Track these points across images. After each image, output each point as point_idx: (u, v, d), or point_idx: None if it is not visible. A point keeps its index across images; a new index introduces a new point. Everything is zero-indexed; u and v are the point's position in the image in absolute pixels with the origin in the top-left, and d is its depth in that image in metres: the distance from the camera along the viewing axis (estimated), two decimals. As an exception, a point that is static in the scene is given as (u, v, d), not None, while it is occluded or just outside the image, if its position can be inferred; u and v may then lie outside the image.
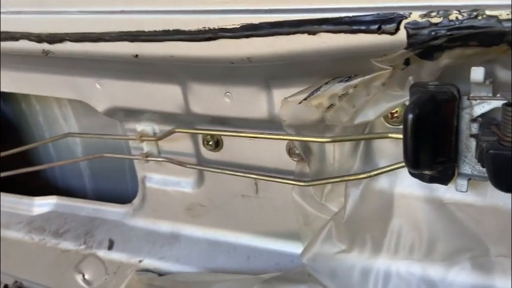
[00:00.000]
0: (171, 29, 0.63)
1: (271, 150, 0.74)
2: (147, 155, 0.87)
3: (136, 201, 0.97)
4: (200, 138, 0.80)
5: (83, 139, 1.42)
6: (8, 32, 0.78)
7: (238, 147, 0.77)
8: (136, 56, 0.69)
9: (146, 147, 0.88)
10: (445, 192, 0.62)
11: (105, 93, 0.83)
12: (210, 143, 0.78)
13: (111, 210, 1.03)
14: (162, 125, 0.86)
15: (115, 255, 0.96)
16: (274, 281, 0.72)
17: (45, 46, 0.76)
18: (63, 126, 1.41)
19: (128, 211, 0.99)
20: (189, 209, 0.89)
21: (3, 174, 1.21)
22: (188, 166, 0.81)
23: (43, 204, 1.12)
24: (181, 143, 0.84)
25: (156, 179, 0.92)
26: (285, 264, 0.79)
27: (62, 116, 1.39)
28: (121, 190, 1.40)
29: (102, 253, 0.97)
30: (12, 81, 0.94)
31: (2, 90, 0.97)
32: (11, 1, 0.77)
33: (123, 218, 1.00)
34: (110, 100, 0.84)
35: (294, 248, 0.79)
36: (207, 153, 0.81)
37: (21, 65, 0.90)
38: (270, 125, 0.70)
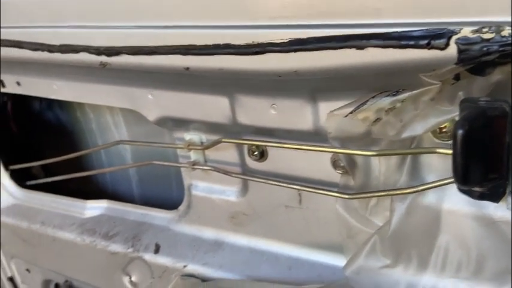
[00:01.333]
0: (221, 43, 0.66)
1: (316, 162, 0.75)
2: (194, 163, 0.90)
3: (182, 207, 1.00)
4: (245, 148, 0.82)
5: (132, 146, 1.48)
6: (69, 45, 0.84)
7: (283, 158, 0.78)
8: (188, 68, 0.73)
9: (193, 155, 0.91)
10: (496, 210, 0.60)
11: (156, 103, 0.87)
12: (255, 153, 0.80)
13: (158, 216, 1.07)
14: (209, 135, 0.88)
15: (161, 260, 0.99)
16: (316, 292, 0.72)
17: (103, 58, 0.81)
18: (115, 133, 1.48)
19: (174, 217, 1.03)
20: (232, 217, 0.91)
21: (58, 178, 1.29)
22: (233, 175, 0.83)
23: (94, 208, 1.18)
24: (227, 153, 0.87)
25: (201, 186, 0.95)
26: (327, 277, 0.79)
27: (114, 124, 1.47)
28: (166, 196, 1.45)
29: (149, 257, 1.01)
30: (70, 91, 1.00)
31: (60, 99, 1.03)
32: (73, 16, 0.82)
33: (169, 224, 1.04)
34: (161, 110, 0.88)
35: (337, 260, 0.79)
36: (252, 163, 0.83)
37: (79, 75, 0.96)
38: (315, 137, 0.71)
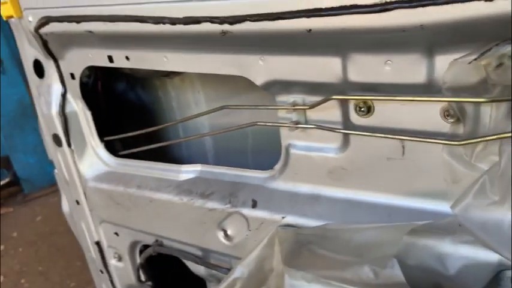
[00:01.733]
0: (347, 4, 0.76)
1: (424, 113, 0.83)
2: (297, 123, 1.00)
3: (278, 166, 1.10)
4: (352, 105, 0.91)
5: (210, 122, 1.60)
6: (193, 17, 0.96)
7: (390, 111, 0.87)
8: (310, 30, 0.82)
9: (295, 116, 1.01)
10: None
11: (266, 68, 0.98)
12: (363, 108, 0.89)
13: (253, 176, 1.17)
14: (311, 96, 0.98)
15: (258, 213, 1.09)
16: (424, 228, 0.80)
17: (225, 27, 0.92)
18: (194, 110, 1.60)
19: (269, 176, 1.13)
20: (330, 172, 1.01)
21: (151, 146, 1.41)
22: (339, 131, 0.93)
23: (189, 171, 1.29)
24: (329, 111, 0.96)
25: (300, 145, 1.04)
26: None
27: (194, 102, 1.59)
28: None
29: (246, 211, 1.11)
30: (180, 62, 1.12)
31: (169, 70, 1.15)
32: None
33: (264, 182, 1.14)
34: (270, 74, 0.98)
35: (438, 206, 0.87)
36: (357, 119, 0.92)
37: (190, 46, 1.07)
38: (426, 89, 0.80)
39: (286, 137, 1.06)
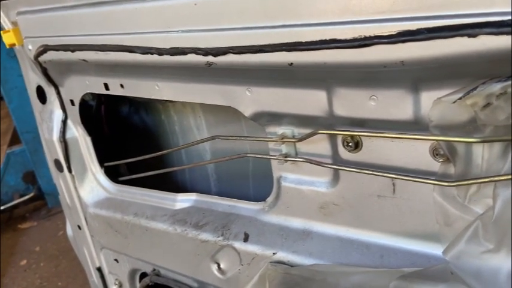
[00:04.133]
0: (327, 38, 0.72)
1: (413, 151, 0.78)
2: (286, 156, 0.96)
3: (270, 199, 1.06)
4: (340, 140, 0.87)
5: (210, 147, 1.58)
6: (178, 48, 0.94)
7: (378, 148, 0.82)
8: (291, 64, 0.79)
9: (285, 148, 0.97)
10: None
11: (253, 99, 0.94)
12: (350, 144, 0.85)
13: (246, 207, 1.13)
14: (301, 128, 0.94)
15: (250, 247, 1.05)
16: (413, 276, 0.75)
17: (209, 59, 0.90)
18: (196, 134, 1.58)
19: (261, 208, 1.09)
20: (322, 208, 0.96)
21: (151, 173, 1.39)
22: (327, 166, 0.88)
23: (184, 200, 1.27)
24: (319, 145, 0.92)
25: (291, 178, 1.00)
26: (421, 264, 0.81)
27: (196, 126, 1.57)
28: (243, 195, 1.53)
29: (238, 245, 1.08)
30: (171, 91, 1.10)
31: (161, 98, 1.14)
32: (182, 22, 0.91)
33: (257, 214, 1.10)
34: (257, 105, 0.95)
35: (431, 248, 0.81)
36: (345, 154, 0.88)
37: (180, 76, 1.06)
38: (413, 126, 0.75)
39: (278, 169, 1.02)
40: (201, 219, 1.19)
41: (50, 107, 1.46)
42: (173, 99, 1.10)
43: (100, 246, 1.54)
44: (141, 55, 1.01)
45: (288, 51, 0.77)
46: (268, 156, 0.99)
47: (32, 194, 4.52)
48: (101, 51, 1.11)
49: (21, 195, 4.43)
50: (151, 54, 0.99)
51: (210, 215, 1.19)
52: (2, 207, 4.28)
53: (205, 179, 1.62)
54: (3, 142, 4.65)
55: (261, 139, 0.99)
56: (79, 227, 1.58)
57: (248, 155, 1.02)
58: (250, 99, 0.95)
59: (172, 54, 0.95)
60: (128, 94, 1.20)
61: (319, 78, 0.82)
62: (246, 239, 1.07)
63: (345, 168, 0.86)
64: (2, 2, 1.32)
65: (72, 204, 1.54)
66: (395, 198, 0.84)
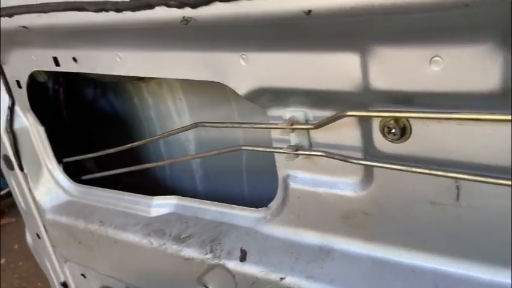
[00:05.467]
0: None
1: (492, 140, 0.52)
2: (297, 148, 0.70)
3: (274, 205, 0.81)
4: (377, 125, 0.61)
5: (195, 136, 1.31)
6: (142, 0, 0.66)
7: (436, 135, 0.57)
8: (309, 12, 0.52)
9: (295, 138, 0.71)
10: None
11: (250, 70, 0.68)
12: (394, 130, 0.59)
13: (241, 215, 0.88)
14: (317, 110, 0.68)
15: (249, 269, 0.80)
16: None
17: (186, 12, 0.63)
18: (176, 121, 1.31)
19: (262, 216, 0.83)
20: (346, 218, 0.71)
21: (117, 171, 1.12)
22: (358, 162, 0.62)
23: (162, 205, 1.00)
24: (344, 132, 0.66)
25: (303, 178, 0.74)
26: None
27: (176, 111, 1.30)
28: (236, 194, 1.26)
29: (233, 265, 0.82)
30: (137, 63, 0.83)
31: (124, 74, 0.86)
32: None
33: (256, 225, 0.84)
34: (255, 79, 0.68)
35: (507, 277, 0.57)
36: (384, 145, 0.62)
37: (149, 42, 0.78)
38: (495, 101, 0.49)
39: (284, 165, 0.76)
40: (184, 230, 0.93)
41: (-7, 91, 1.17)
42: (141, 75, 0.83)
43: (63, 259, 1.27)
44: (94, 13, 0.74)
45: (306, -9, 0.51)
46: (271, 150, 0.73)
47: (9, 189, 4.20)
48: (43, 12, 0.82)
49: (-1, 192, 4.13)
50: (107, 11, 0.72)
51: (195, 225, 0.93)
52: (-22, 204, 3.96)
53: (189, 175, 1.35)
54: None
55: (261, 126, 0.72)
56: (38, 236, 1.30)
57: (243, 147, 0.75)
58: (245, 71, 0.68)
59: (134, 9, 0.68)
60: (83, 70, 0.92)
61: (350, 33, 0.55)
62: (243, 257, 0.81)
63: (384, 165, 0.60)
64: None
65: (28, 208, 1.26)
66: (459, 207, 0.59)
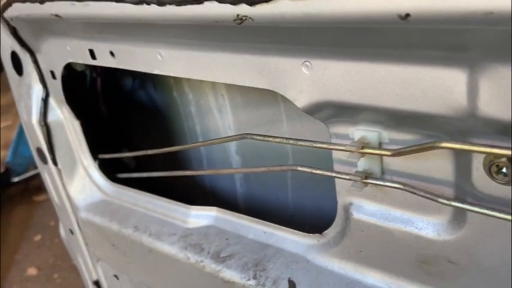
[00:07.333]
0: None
1: None
2: (366, 176, 0.57)
3: (330, 232, 0.69)
4: (479, 161, 0.48)
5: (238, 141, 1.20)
6: (189, -8, 0.55)
7: None
8: (407, 16, 0.39)
9: (364, 163, 0.59)
10: None
11: (314, 80, 0.56)
12: (505, 170, 0.45)
13: (291, 239, 0.76)
14: (395, 132, 0.55)
15: (298, 306, 0.69)
16: None
17: (242, 9, 0.51)
18: (217, 118, 1.20)
19: (315, 244, 0.72)
20: (424, 263, 0.58)
21: (155, 174, 1.04)
22: (451, 204, 0.49)
23: (200, 216, 0.91)
24: (428, 163, 0.53)
25: (369, 209, 0.62)
26: None
27: (217, 108, 1.19)
28: (280, 207, 1.15)
29: (279, 298, 0.72)
30: (179, 63, 0.72)
31: (166, 73, 0.76)
32: None
33: (308, 252, 0.73)
34: (321, 91, 0.56)
35: None
36: (487, 185, 0.48)
37: (194, 41, 0.68)
38: None
39: (346, 191, 0.64)
40: (224, 248, 0.83)
41: (28, 80, 1.10)
42: (184, 76, 0.72)
43: (96, 258, 1.21)
44: (134, 6, 0.64)
45: (407, -12, 0.38)
46: (335, 175, 0.61)
47: (47, 165, 4.28)
48: (77, 1, 0.73)
49: (37, 167, 4.23)
50: (148, 3, 0.61)
51: (235, 243, 0.83)
52: (17, 179, 4.05)
53: (231, 184, 1.25)
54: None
55: (323, 146, 0.60)
56: (71, 232, 1.25)
57: (299, 168, 0.64)
58: (308, 80, 0.56)
59: (179, 4, 0.57)
60: (121, 66, 0.83)
61: (459, 45, 0.42)
62: (291, 290, 0.71)
63: (487, 212, 0.47)
64: None
65: (62, 204, 1.21)
66: None
